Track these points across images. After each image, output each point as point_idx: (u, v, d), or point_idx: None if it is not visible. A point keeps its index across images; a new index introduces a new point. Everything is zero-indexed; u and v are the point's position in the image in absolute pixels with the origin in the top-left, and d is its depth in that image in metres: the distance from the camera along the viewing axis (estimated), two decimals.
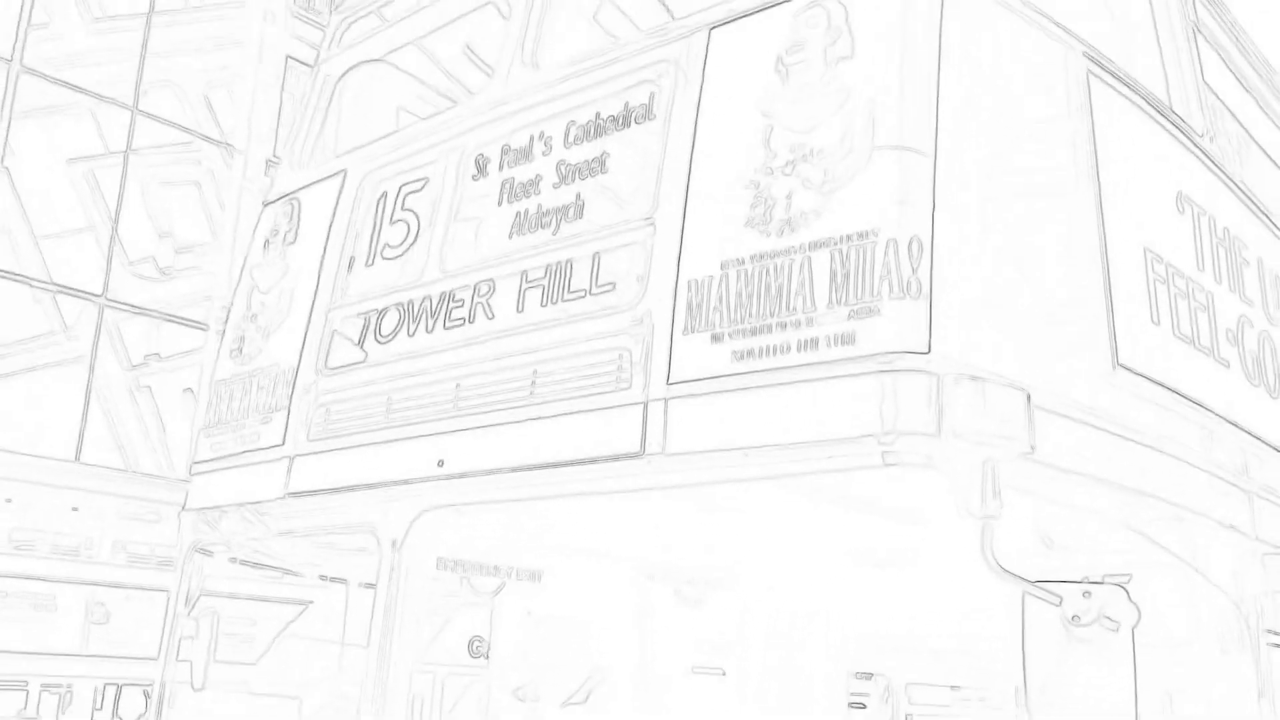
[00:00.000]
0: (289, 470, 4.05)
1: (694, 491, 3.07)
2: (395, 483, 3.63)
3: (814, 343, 2.77)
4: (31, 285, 10.73)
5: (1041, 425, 2.81)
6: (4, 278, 10.63)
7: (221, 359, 4.66)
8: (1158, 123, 3.72)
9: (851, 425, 2.65)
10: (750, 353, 2.88)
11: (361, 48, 4.92)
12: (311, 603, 5.20)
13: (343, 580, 5.12)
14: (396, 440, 3.70)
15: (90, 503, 8.42)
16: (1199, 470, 3.51)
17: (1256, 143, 4.95)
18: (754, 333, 2.89)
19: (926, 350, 2.62)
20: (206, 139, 9.85)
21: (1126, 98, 3.56)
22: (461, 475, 3.43)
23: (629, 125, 3.48)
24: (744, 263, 2.97)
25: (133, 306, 9.47)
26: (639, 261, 3.23)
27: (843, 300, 2.76)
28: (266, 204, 4.89)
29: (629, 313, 3.18)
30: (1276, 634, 3.73)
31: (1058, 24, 3.34)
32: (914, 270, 2.69)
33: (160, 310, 9.44)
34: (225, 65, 10.12)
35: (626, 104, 3.51)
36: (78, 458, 8.81)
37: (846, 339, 2.72)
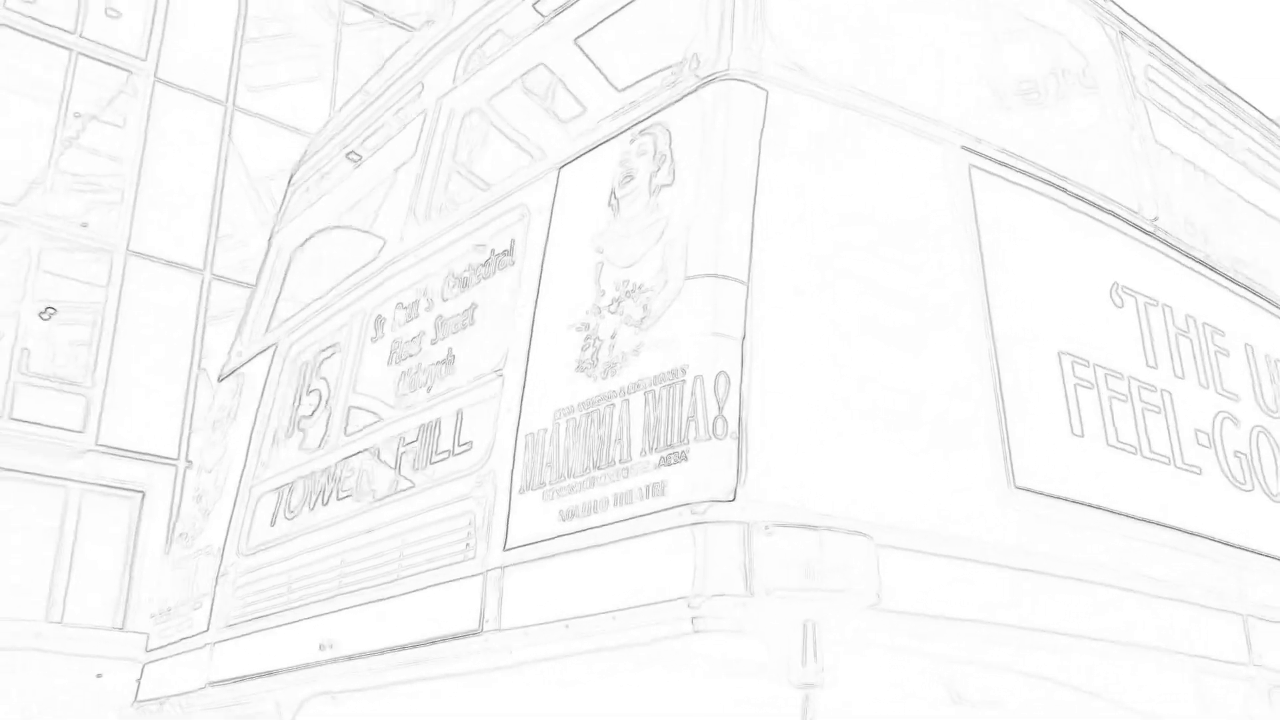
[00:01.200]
0: (211, 658, 3.91)
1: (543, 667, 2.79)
2: (282, 670, 3.44)
3: (628, 496, 2.51)
4: None
5: (900, 569, 2.47)
6: None
7: (172, 543, 4.60)
8: (1080, 212, 3.39)
9: (663, 588, 2.36)
10: (574, 511, 2.63)
11: (307, 216, 4.94)
12: None
13: None
14: (290, 623, 3.52)
15: None
16: (1158, 598, 3.06)
17: (1245, 199, 4.52)
18: (577, 489, 2.64)
19: (731, 497, 2.33)
20: None
21: (1030, 189, 3.25)
22: (338, 659, 3.22)
23: (493, 274, 3.33)
24: (573, 411, 2.75)
25: None
26: (488, 417, 3.03)
27: (654, 447, 2.50)
28: (220, 380, 4.88)
29: (475, 474, 2.97)
30: None
31: (931, 119, 3.08)
32: (720, 409, 2.42)
33: None
34: None
35: (492, 251, 3.37)
36: None
37: (657, 490, 2.45)
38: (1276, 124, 4.90)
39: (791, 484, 2.40)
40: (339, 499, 3.58)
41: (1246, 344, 3.81)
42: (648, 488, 2.47)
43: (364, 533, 3.36)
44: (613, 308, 2.77)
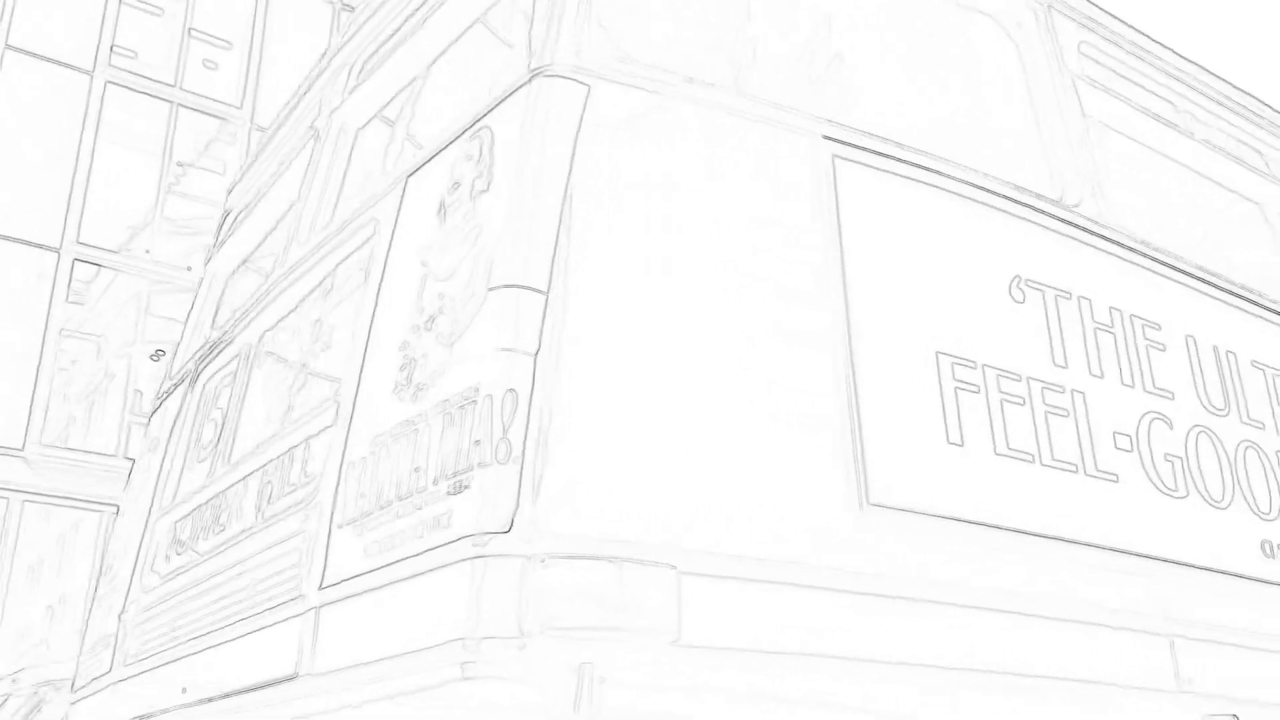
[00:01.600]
0: (111, 699, 3.80)
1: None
2: (153, 714, 3.30)
3: (421, 528, 2.32)
4: None
5: (718, 600, 2.24)
6: None
7: (99, 578, 4.51)
8: (976, 201, 3.13)
9: (442, 629, 2.16)
10: (378, 546, 2.44)
11: (233, 243, 4.84)
12: None
13: None
14: (168, 663, 3.39)
15: None
16: (1061, 621, 2.78)
17: (1206, 177, 4.19)
18: (383, 521, 2.46)
19: (507, 528, 2.13)
20: None
21: (911, 179, 3.00)
22: (191, 705, 3.07)
23: (350, 293, 3.17)
24: (385, 437, 2.57)
25: None
26: (325, 446, 2.87)
27: (445, 474, 2.31)
28: (152, 413, 4.79)
29: (306, 507, 2.81)
30: None
31: (787, 108, 2.85)
32: (505, 430, 2.22)
33: None
34: None
35: (348, 269, 3.21)
36: None
37: (444, 521, 2.26)
38: (1246, 96, 4.56)
39: (584, 511, 2.19)
40: (215, 533, 3.44)
41: (1188, 336, 3.50)
42: (436, 519, 2.28)
43: (228, 569, 3.21)
44: (428, 324, 2.59)
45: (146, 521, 4.08)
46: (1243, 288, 3.82)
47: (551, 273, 2.37)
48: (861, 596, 2.43)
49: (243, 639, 2.92)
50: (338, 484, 2.69)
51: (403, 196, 3.02)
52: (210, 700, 2.97)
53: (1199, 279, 3.67)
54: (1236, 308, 3.77)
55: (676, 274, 2.52)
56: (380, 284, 2.91)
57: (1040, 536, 2.80)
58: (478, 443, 2.24)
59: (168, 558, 3.76)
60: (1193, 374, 3.44)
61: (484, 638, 2.07)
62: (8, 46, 17.29)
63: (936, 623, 2.51)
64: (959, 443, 2.74)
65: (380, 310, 2.86)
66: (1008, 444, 2.84)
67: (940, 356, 2.81)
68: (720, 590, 2.25)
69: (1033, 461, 2.88)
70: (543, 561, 2.09)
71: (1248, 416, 3.55)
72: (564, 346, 2.31)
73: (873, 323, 2.72)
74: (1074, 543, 2.87)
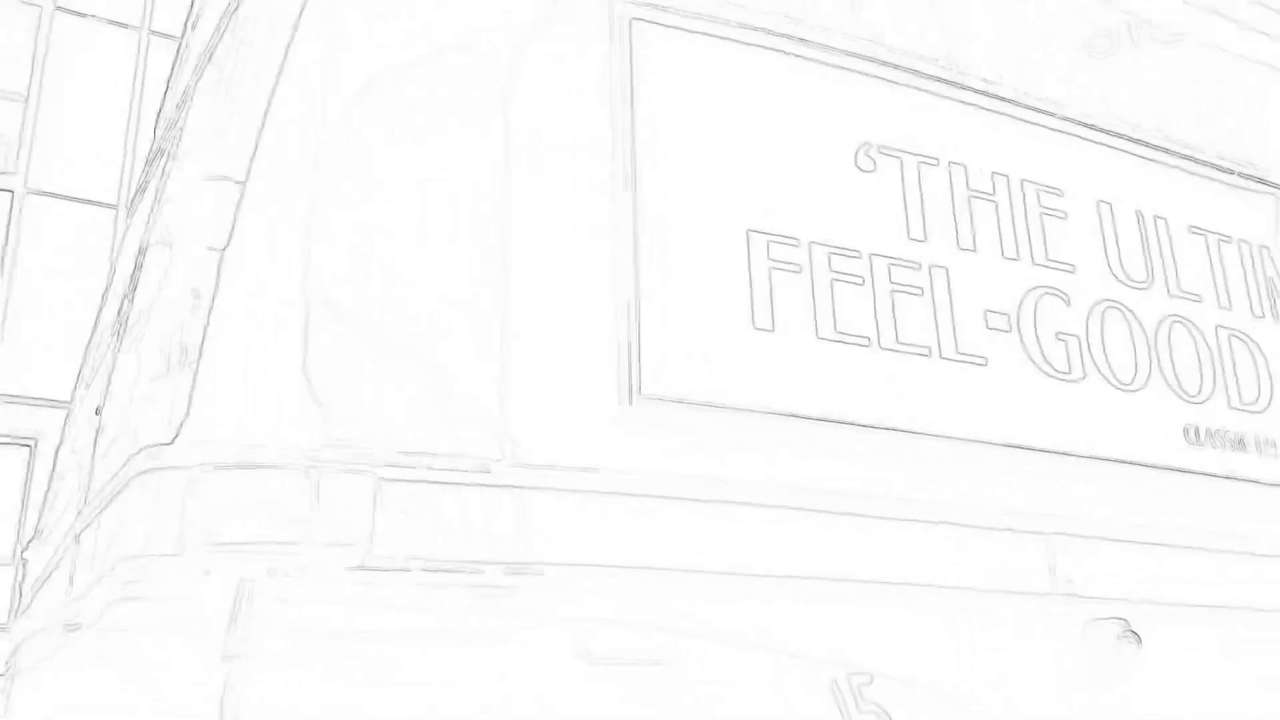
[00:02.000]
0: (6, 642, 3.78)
1: None
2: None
3: (124, 443, 2.16)
4: None
5: (429, 510, 2.02)
6: None
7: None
8: (823, 63, 2.79)
9: (121, 547, 2.00)
10: (112, 465, 2.29)
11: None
12: None
13: None
14: (31, 604, 3.34)
15: None
16: (907, 521, 2.48)
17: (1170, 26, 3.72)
18: (113, 439, 2.31)
19: (172, 439, 1.94)
20: None
21: (735, 41, 2.68)
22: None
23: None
24: (129, 353, 2.41)
25: None
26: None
27: (144, 385, 2.13)
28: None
29: (99, 433, 2.68)
30: None
31: None
32: (183, 335, 2.02)
33: None
34: None
35: None
36: None
37: (135, 435, 2.09)
38: None
39: (266, 418, 1.99)
40: (74, 469, 3.37)
41: (1101, 201, 3.10)
42: (133, 432, 2.11)
43: (63, 503, 3.13)
44: (165, 235, 2.41)
45: (55, 459, 4.05)
46: (1183, 145, 3.38)
47: (252, 161, 2.15)
48: (624, 498, 2.18)
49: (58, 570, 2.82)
50: (102, 404, 2.55)
51: (191, 105, 2.84)
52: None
53: (1126, 139, 3.25)
54: (1177, 168, 3.34)
55: (424, 156, 2.28)
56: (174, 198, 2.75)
57: (876, 428, 2.50)
58: (161, 350, 2.05)
59: (57, 509, 3.71)
60: (1104, 243, 3.06)
61: (147, 555, 1.90)
62: (152, 33, 17.63)
63: (729, 526, 2.25)
64: (768, 328, 2.45)
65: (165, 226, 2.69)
66: (835, 328, 2.53)
67: (752, 235, 2.51)
68: (433, 498, 2.03)
69: (869, 346, 2.56)
70: (209, 472, 1.90)
71: (1178, 288, 3.14)
72: (250, 239, 2.10)
73: (668, 201, 2.44)
74: (923, 434, 2.56)
